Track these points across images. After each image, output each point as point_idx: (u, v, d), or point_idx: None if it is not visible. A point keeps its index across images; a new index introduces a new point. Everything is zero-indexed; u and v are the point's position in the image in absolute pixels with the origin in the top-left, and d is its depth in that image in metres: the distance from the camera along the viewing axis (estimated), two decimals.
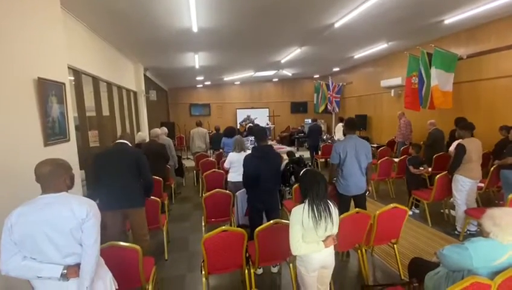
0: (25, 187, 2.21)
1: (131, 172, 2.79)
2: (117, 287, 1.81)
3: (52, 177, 1.54)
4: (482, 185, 4.11)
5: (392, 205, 2.70)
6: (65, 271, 1.50)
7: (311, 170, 2.13)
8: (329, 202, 1.99)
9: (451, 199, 3.90)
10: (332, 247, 2.02)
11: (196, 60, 7.17)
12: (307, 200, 1.95)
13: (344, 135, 3.43)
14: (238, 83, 12.73)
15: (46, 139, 2.63)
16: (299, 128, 12.10)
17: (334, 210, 2.01)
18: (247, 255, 2.53)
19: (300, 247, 1.92)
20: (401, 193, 5.37)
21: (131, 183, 2.80)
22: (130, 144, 2.96)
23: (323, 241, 1.95)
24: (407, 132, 6.78)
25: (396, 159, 5.67)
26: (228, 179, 3.99)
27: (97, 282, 1.64)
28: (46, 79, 2.63)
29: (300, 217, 1.91)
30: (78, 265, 1.54)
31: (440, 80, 5.51)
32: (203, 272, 2.41)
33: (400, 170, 5.40)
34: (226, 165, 4.07)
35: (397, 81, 7.55)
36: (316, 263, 1.98)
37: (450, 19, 5.02)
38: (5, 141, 2.15)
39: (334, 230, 2.01)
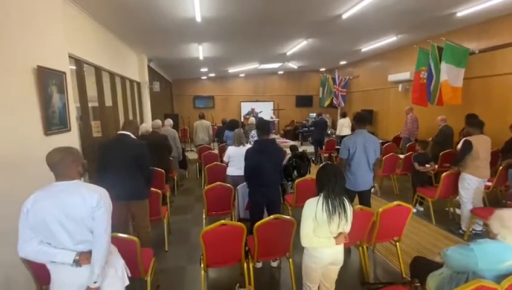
0: (26, 176, 2.22)
1: (134, 164, 2.79)
2: (130, 275, 1.82)
3: (63, 164, 1.54)
4: (490, 184, 4.01)
5: (395, 203, 2.64)
6: (77, 257, 1.52)
7: (330, 164, 2.06)
8: (344, 199, 1.94)
9: (457, 197, 3.81)
10: (342, 244, 1.98)
11: (200, 51, 7.08)
12: (322, 194, 1.91)
13: (353, 129, 3.35)
14: (243, 75, 12.60)
15: (47, 129, 2.60)
16: (304, 122, 11.98)
17: (349, 207, 1.95)
18: (247, 249, 2.50)
19: (311, 240, 1.90)
20: (406, 190, 5.29)
21: (135, 176, 2.80)
22: (132, 135, 2.90)
23: (334, 237, 1.91)
24: (414, 128, 6.65)
25: (401, 156, 5.56)
26: (227, 173, 3.91)
27: (109, 270, 1.65)
28: (46, 68, 2.59)
29: (313, 209, 1.87)
30: (90, 252, 1.56)
31: (450, 75, 5.35)
32: (202, 265, 2.40)
33: (405, 166, 5.30)
34: (225, 159, 4.01)
35: (405, 75, 7.38)
36: (327, 258, 1.95)
37: (462, 12, 4.83)
38: (5, 131, 2.13)
39: (347, 228, 1.97)
